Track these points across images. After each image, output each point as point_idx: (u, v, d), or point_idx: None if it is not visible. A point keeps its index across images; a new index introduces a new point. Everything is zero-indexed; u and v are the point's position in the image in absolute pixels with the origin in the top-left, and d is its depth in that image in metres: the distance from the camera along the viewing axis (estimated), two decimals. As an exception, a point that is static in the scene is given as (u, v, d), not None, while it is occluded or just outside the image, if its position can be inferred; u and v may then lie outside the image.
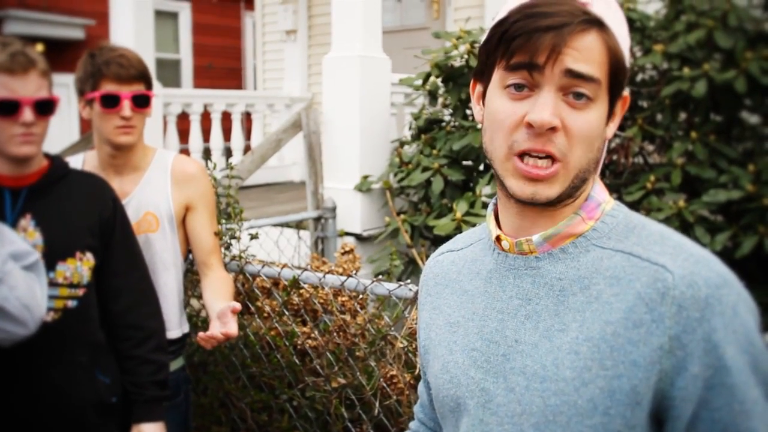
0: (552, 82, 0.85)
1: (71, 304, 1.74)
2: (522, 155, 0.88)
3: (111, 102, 1.94)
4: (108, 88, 1.94)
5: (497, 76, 0.90)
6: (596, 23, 0.86)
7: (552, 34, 0.84)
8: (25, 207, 1.71)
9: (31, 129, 1.65)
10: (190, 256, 2.22)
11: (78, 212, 1.78)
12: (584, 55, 0.85)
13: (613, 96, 0.90)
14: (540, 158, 0.87)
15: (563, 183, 0.88)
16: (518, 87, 0.87)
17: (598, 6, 0.87)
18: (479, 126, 3.37)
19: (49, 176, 1.77)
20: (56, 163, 1.81)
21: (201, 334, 1.74)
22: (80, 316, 1.76)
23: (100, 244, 1.81)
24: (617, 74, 0.89)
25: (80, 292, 1.76)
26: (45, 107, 1.68)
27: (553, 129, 0.85)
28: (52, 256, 1.71)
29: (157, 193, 2.09)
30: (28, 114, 1.63)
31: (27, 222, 1.71)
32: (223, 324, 1.76)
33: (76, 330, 1.76)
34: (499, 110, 0.89)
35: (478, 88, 0.96)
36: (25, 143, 1.65)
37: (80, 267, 1.76)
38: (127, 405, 1.86)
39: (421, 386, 1.23)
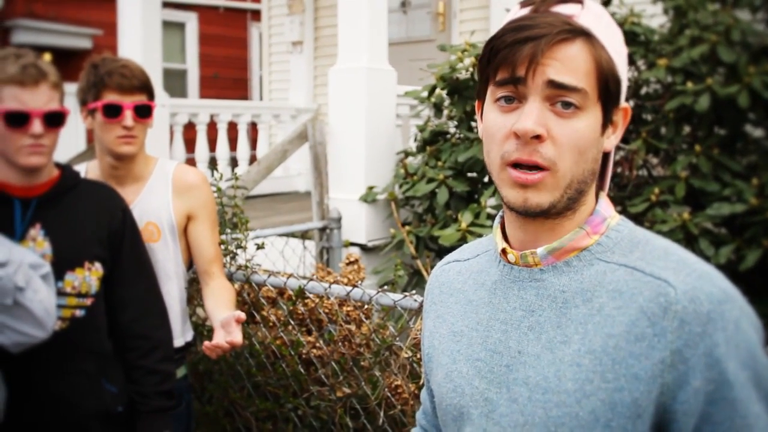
0: (536, 93, 0.87)
1: (79, 313, 1.75)
2: (514, 166, 0.89)
3: (113, 112, 1.95)
4: (110, 98, 1.95)
5: (489, 91, 0.92)
6: (581, 34, 0.87)
7: (530, 45, 0.85)
8: (35, 217, 1.72)
9: (40, 140, 1.66)
10: (195, 265, 2.23)
11: (87, 222, 1.79)
12: (567, 65, 0.86)
13: (607, 106, 0.91)
14: (529, 168, 0.88)
15: (553, 191, 0.88)
16: (508, 99, 0.89)
17: (586, 17, 0.88)
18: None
19: (60, 186, 1.78)
20: (67, 173, 1.82)
21: (206, 343, 1.75)
22: (88, 325, 1.77)
23: (108, 254, 1.82)
24: (607, 84, 0.89)
25: (88, 301, 1.77)
26: (55, 119, 1.69)
27: (538, 138, 0.86)
28: (60, 266, 1.72)
29: (158, 202, 2.10)
30: (37, 126, 1.64)
31: (36, 232, 1.72)
32: (228, 333, 1.77)
33: (83, 339, 1.76)
34: (491, 124, 0.91)
35: (481, 106, 0.98)
36: (34, 154, 1.66)
37: (89, 277, 1.77)
38: (134, 414, 1.87)
39: (423, 393, 1.23)
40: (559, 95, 0.87)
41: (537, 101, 0.87)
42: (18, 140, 1.64)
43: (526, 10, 0.90)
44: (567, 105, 0.87)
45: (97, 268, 1.79)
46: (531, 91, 0.87)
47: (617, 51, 0.91)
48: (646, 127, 3.56)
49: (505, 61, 0.87)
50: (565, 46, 0.86)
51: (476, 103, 1.00)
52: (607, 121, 0.92)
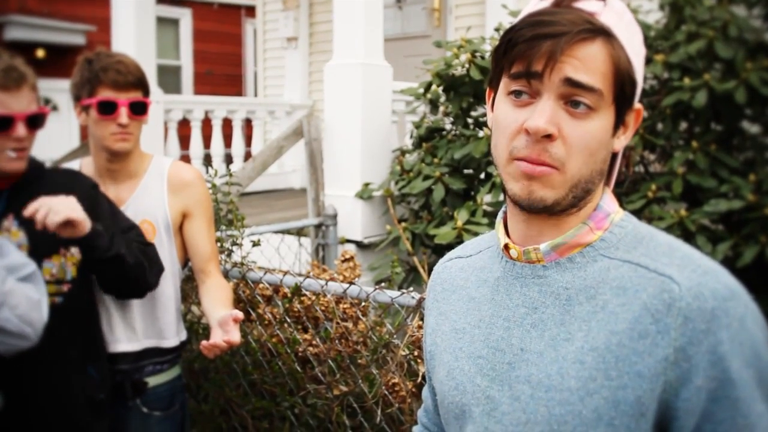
0: (551, 90, 0.85)
1: (58, 300, 1.77)
2: (521, 161, 0.88)
3: (108, 109, 1.93)
4: (105, 94, 1.92)
5: (502, 83, 0.91)
6: (601, 33, 0.86)
7: (550, 42, 0.84)
8: (7, 208, 1.73)
9: (23, 143, 1.67)
10: (190, 263, 2.21)
11: None
12: (585, 64, 0.85)
13: (621, 107, 0.90)
14: (536, 165, 0.87)
15: (559, 188, 0.88)
16: (520, 94, 0.88)
17: (607, 16, 0.87)
18: (480, 135, 3.37)
19: (27, 176, 1.78)
20: (32, 163, 1.82)
21: (204, 342, 1.73)
22: (68, 311, 1.78)
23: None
24: (623, 86, 0.88)
25: (65, 287, 1.78)
26: (36, 121, 1.70)
27: (549, 137, 0.85)
28: (37, 255, 1.72)
29: (153, 200, 2.07)
30: (21, 129, 1.65)
31: (10, 223, 1.72)
32: (226, 332, 1.75)
33: (64, 326, 1.77)
34: (502, 117, 0.90)
35: (492, 96, 0.97)
36: (16, 160, 1.68)
37: (65, 263, 1.78)
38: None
39: (425, 391, 1.23)
40: (574, 94, 0.85)
41: (551, 99, 0.86)
42: (1, 144, 1.66)
43: (546, 3, 0.89)
44: (581, 105, 0.86)
45: (73, 254, 1.79)
46: (546, 88, 0.86)
47: (636, 51, 0.90)
48: (642, 124, 3.56)
49: (522, 54, 0.86)
50: (584, 45, 0.85)
51: (487, 92, 0.99)
52: (619, 123, 0.91)
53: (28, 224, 1.73)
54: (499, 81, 0.92)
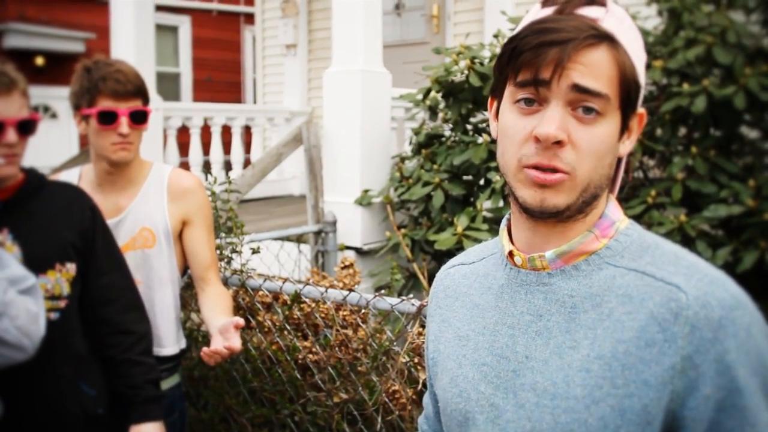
0: (559, 97, 0.86)
1: (53, 316, 1.74)
2: (531, 169, 0.88)
3: (108, 119, 1.92)
4: (105, 104, 1.91)
5: (508, 91, 0.91)
6: (606, 39, 0.86)
7: (557, 49, 0.84)
8: (2, 221, 1.70)
9: (14, 149, 1.64)
10: (189, 270, 2.20)
11: (56, 224, 1.77)
12: (592, 70, 0.85)
13: (626, 112, 0.90)
14: (547, 171, 0.87)
15: (570, 193, 0.88)
16: (528, 102, 0.88)
17: (610, 22, 0.87)
18: (480, 141, 3.37)
19: (25, 189, 1.75)
20: (32, 175, 1.79)
21: (205, 349, 1.73)
22: (62, 328, 1.75)
23: (82, 253, 1.80)
24: (629, 90, 0.88)
25: (62, 303, 1.75)
26: (27, 127, 1.67)
27: (559, 143, 0.86)
28: (31, 270, 1.68)
29: (153, 207, 2.07)
30: (11, 135, 1.62)
31: (4, 237, 1.69)
32: (226, 339, 1.75)
33: (58, 342, 1.74)
34: (509, 125, 0.90)
35: (494, 105, 0.97)
36: (8, 165, 1.65)
37: (60, 279, 1.75)
38: (116, 416, 1.85)
39: (426, 398, 1.22)
40: (582, 100, 0.86)
41: (559, 105, 0.86)
42: None
43: (548, 11, 0.89)
44: (589, 110, 0.86)
45: (68, 270, 1.77)
46: (554, 95, 0.86)
47: (637, 56, 0.90)
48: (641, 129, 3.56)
49: (529, 62, 0.86)
50: (590, 51, 0.85)
51: (489, 101, 0.99)
52: (624, 127, 0.91)
53: (22, 238, 1.70)
54: (503, 89, 0.92)
